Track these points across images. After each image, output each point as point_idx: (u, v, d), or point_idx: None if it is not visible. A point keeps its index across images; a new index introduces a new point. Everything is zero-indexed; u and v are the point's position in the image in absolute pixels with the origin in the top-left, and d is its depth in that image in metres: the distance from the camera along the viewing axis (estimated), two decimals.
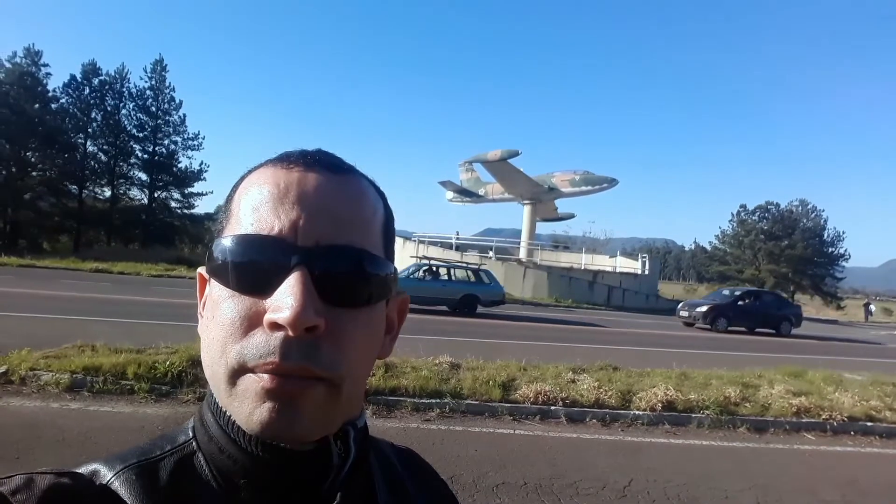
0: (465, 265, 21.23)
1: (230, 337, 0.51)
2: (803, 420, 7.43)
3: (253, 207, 0.54)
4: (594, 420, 6.93)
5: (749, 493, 5.12)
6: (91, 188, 42.91)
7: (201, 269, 0.60)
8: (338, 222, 0.54)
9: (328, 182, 0.56)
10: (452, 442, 5.83)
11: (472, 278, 19.31)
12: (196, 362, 6.95)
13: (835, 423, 7.40)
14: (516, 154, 30.62)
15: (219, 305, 0.53)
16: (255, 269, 0.52)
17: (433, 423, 6.36)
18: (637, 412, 7.11)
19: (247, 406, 0.50)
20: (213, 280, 0.55)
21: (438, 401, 6.74)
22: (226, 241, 0.53)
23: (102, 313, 11.60)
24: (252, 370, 0.49)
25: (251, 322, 0.50)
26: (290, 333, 0.48)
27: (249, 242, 0.52)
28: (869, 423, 7.55)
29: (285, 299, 0.48)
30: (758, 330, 22.16)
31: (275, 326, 0.49)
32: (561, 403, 7.03)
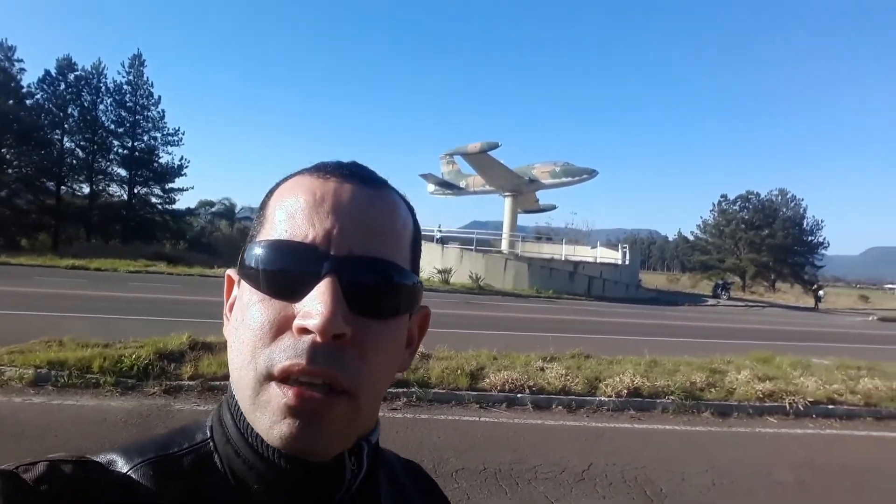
0: None
1: (260, 341, 0.52)
2: (767, 404, 7.57)
3: (288, 215, 0.55)
4: (560, 407, 7.02)
5: (706, 475, 5.23)
6: (69, 184, 42.26)
7: (230, 271, 0.62)
8: (370, 234, 0.55)
9: (363, 194, 0.57)
10: (417, 430, 5.90)
11: None
12: (164, 355, 6.98)
13: (798, 407, 7.54)
14: (496, 146, 30.62)
15: (249, 309, 0.54)
16: (286, 274, 0.53)
17: (399, 411, 6.41)
18: (603, 398, 7.21)
19: (268, 418, 0.51)
20: (243, 283, 0.56)
21: (406, 390, 6.79)
22: (259, 246, 0.55)
23: (75, 309, 11.50)
24: (278, 376, 0.50)
25: (280, 326, 0.52)
26: (319, 339, 0.49)
27: (283, 248, 0.54)
28: (830, 406, 7.72)
29: (315, 305, 0.50)
30: None
31: (303, 331, 0.50)
32: (528, 391, 7.12)
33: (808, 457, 6.03)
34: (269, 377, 0.51)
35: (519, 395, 7.04)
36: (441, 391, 6.95)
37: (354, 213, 0.55)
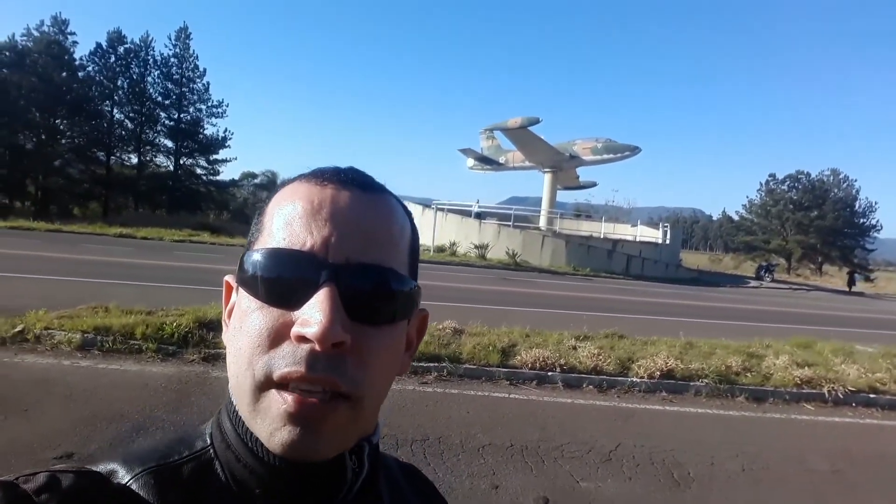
0: None
1: (258, 348, 0.52)
2: (804, 391, 7.39)
3: (286, 222, 0.55)
4: (591, 386, 7.00)
5: (736, 461, 5.17)
6: (118, 155, 43.68)
7: (228, 277, 0.62)
8: (368, 240, 0.55)
9: (360, 201, 0.57)
10: (446, 404, 5.95)
11: None
12: (203, 324, 7.18)
13: (838, 395, 7.35)
14: (537, 121, 30.20)
15: (247, 316, 0.54)
16: (285, 282, 0.53)
17: (429, 385, 6.49)
18: (635, 379, 7.15)
19: (268, 425, 0.51)
20: (242, 290, 0.56)
21: (437, 364, 6.86)
22: (257, 254, 0.55)
23: (121, 276, 11.93)
24: (277, 383, 0.51)
25: (279, 334, 0.52)
26: (318, 348, 0.49)
27: (281, 256, 0.54)
28: (872, 395, 7.49)
29: (314, 314, 0.50)
30: None
31: (302, 340, 0.50)
32: (559, 369, 7.11)
33: (844, 446, 5.89)
34: (267, 384, 0.51)
35: (550, 374, 7.04)
36: (472, 367, 7.00)
37: (352, 220, 0.55)
